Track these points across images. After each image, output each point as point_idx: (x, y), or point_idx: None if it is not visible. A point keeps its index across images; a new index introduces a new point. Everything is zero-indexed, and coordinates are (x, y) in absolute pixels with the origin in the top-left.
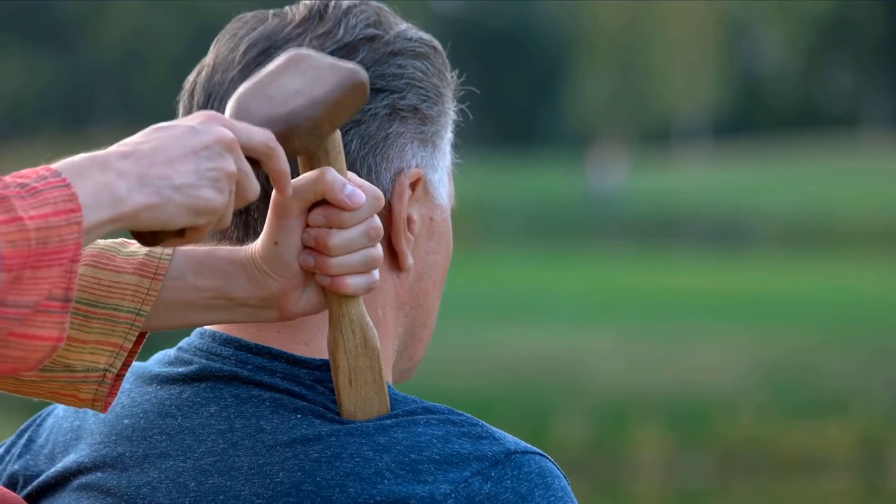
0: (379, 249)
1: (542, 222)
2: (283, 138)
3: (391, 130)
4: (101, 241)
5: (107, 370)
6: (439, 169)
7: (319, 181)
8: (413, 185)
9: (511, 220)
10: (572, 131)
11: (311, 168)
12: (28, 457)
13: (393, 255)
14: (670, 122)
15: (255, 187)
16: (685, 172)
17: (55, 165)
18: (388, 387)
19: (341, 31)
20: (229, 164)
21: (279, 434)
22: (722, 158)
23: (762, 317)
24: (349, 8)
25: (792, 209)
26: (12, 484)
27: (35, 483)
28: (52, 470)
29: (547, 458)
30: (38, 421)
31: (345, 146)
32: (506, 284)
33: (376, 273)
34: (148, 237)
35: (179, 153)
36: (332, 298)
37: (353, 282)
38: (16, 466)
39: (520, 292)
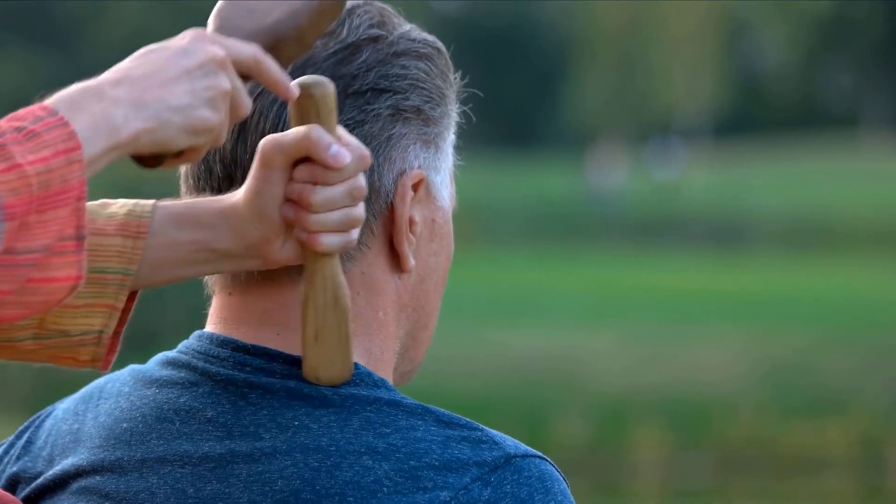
0: (361, 209)
1: (542, 222)
2: (270, 50)
3: (394, 131)
4: None
5: (102, 332)
6: (442, 171)
7: (305, 139)
8: (415, 187)
9: (511, 220)
10: (572, 131)
11: (302, 124)
12: (27, 458)
13: (394, 257)
14: (670, 122)
15: (247, 104)
16: (685, 172)
17: (49, 101)
18: (391, 387)
19: (345, 30)
20: (223, 82)
21: (278, 441)
22: (722, 158)
23: (762, 317)
24: (353, 8)
25: (792, 209)
26: (13, 485)
27: (34, 485)
28: (51, 472)
29: (547, 461)
30: (36, 422)
31: None
32: (506, 284)
33: (354, 233)
34: (148, 160)
35: (173, 75)
36: (308, 253)
37: (329, 240)
38: (14, 468)
39: (520, 292)
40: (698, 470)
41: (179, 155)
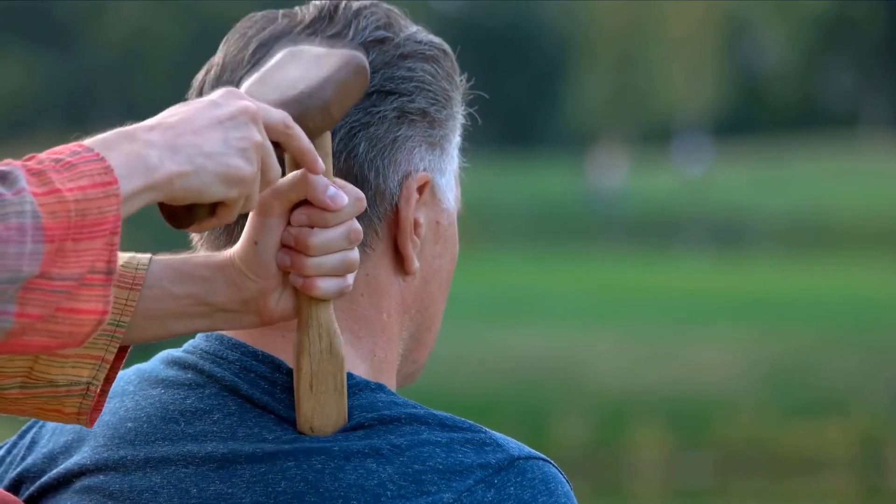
0: (356, 253)
1: (542, 222)
2: (296, 120)
3: (400, 133)
4: None
5: (90, 383)
6: (447, 173)
7: (303, 181)
8: (420, 189)
9: (511, 220)
10: (572, 131)
11: (297, 168)
12: (31, 458)
13: (399, 259)
14: (670, 122)
15: (276, 167)
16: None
17: (85, 142)
18: (390, 391)
19: (351, 32)
20: (255, 134)
21: (282, 444)
22: (722, 158)
23: (762, 317)
24: (359, 9)
25: (792, 209)
26: (18, 485)
27: (37, 484)
28: (54, 471)
29: (551, 463)
30: (40, 422)
31: (353, 149)
32: (506, 284)
33: (350, 278)
34: (183, 217)
35: (206, 123)
36: (304, 300)
37: (325, 284)
38: (19, 468)
39: (520, 292)
40: (698, 470)
41: (213, 212)
